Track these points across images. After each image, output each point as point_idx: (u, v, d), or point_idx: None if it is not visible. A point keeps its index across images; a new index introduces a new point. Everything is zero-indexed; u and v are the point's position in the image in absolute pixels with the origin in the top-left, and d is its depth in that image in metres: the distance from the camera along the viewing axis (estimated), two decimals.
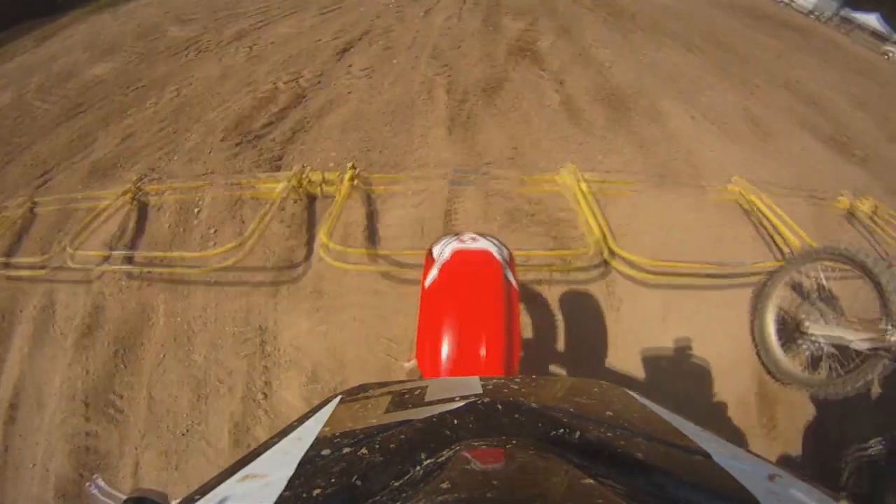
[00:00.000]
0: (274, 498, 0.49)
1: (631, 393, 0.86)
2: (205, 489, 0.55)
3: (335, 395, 0.87)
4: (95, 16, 13.99)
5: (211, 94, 5.92)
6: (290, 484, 0.51)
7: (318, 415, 0.76)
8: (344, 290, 3.29)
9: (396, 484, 0.51)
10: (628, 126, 5.03)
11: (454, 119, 4.92)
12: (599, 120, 5.07)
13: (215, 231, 3.69)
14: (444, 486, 0.44)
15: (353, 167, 3.75)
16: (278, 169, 4.18)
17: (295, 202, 3.76)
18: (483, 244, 1.42)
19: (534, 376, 0.89)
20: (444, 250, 1.41)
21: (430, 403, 0.72)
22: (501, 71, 6.15)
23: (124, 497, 0.65)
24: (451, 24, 8.26)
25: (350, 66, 6.14)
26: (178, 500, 0.55)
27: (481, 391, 0.77)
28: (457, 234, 1.48)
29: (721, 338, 3.21)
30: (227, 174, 4.11)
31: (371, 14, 9.05)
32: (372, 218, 3.67)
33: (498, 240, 1.46)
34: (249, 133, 4.70)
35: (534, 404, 0.69)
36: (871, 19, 28.90)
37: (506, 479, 0.46)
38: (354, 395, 0.87)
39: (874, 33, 27.83)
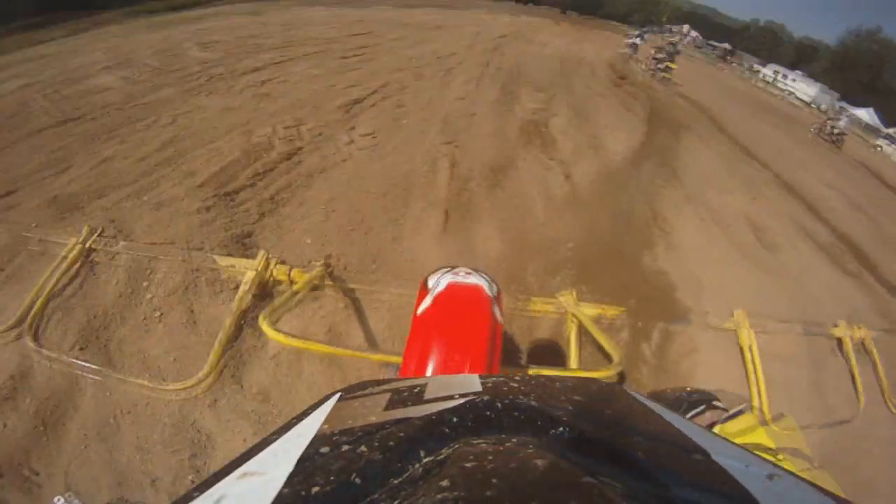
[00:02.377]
0: (272, 496, 0.45)
1: (630, 392, 0.80)
2: (203, 487, 0.51)
3: (334, 393, 0.79)
4: (131, 20, 14.49)
5: (206, 130, 5.29)
6: (289, 481, 0.48)
7: (316, 412, 0.70)
8: None
9: (395, 482, 0.47)
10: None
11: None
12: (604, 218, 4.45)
13: (160, 315, 3.08)
14: (444, 484, 0.41)
15: (327, 264, 3.12)
16: (244, 247, 3.49)
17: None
18: (475, 279, 1.45)
19: (534, 375, 0.87)
20: (439, 282, 1.44)
21: (430, 401, 0.67)
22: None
23: None
24: (470, 90, 7.82)
25: (353, 128, 5.45)
26: (177, 498, 0.47)
27: (481, 389, 0.71)
28: (452, 268, 1.51)
29: None
30: (186, 247, 3.42)
31: (391, 66, 8.64)
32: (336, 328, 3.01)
33: (489, 277, 1.49)
34: (229, 189, 4.01)
35: (533, 402, 0.64)
36: (864, 114, 30.86)
37: (505, 478, 0.42)
38: (353, 392, 0.79)
39: (867, 126, 29.86)
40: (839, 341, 3.94)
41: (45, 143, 5.21)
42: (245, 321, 2.95)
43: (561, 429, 0.57)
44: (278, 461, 0.53)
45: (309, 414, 0.71)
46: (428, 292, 1.43)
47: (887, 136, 26.93)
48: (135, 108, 6.10)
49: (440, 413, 0.61)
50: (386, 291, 3.06)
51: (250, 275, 3.00)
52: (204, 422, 2.67)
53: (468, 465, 0.46)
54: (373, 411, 0.67)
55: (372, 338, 2.95)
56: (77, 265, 3.39)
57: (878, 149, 25.55)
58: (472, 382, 0.76)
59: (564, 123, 6.58)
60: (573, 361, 3.05)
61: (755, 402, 3.23)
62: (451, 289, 1.41)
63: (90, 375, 2.84)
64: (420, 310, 1.40)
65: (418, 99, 6.77)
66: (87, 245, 3.47)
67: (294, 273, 3.02)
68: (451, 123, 5.94)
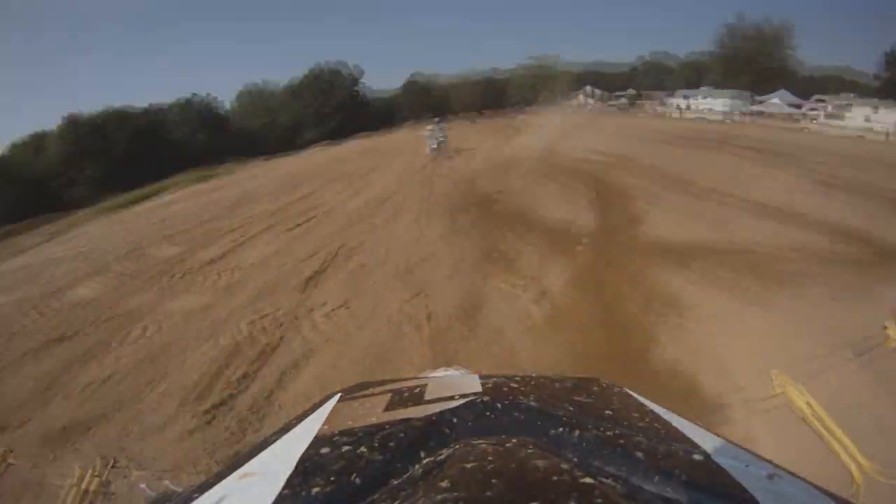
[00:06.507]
0: (273, 496, 0.44)
1: (630, 392, 0.77)
2: (203, 487, 0.50)
3: (334, 393, 0.79)
4: (99, 218, 15.53)
5: (177, 341, 5.26)
6: (290, 482, 0.47)
7: (317, 413, 0.69)
8: None
9: (396, 482, 0.45)
10: None
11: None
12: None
13: None
14: (444, 484, 0.40)
15: None
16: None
17: None
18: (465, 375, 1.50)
19: (534, 376, 0.82)
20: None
21: (430, 402, 0.66)
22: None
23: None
24: (420, 229, 8.19)
25: (312, 309, 5.48)
26: (177, 498, 0.51)
27: (481, 389, 0.69)
28: (447, 368, 1.61)
29: None
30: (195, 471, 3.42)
31: (339, 227, 8.94)
32: None
33: (467, 370, 1.59)
34: (208, 406, 4.00)
35: (533, 403, 0.63)
36: (775, 101, 30.97)
37: (505, 478, 0.40)
38: (353, 392, 0.79)
39: (785, 113, 29.57)
40: None
41: (35, 368, 5.14)
42: None
43: (561, 429, 0.56)
44: (279, 461, 0.53)
45: (309, 414, 0.69)
46: None
47: (804, 115, 25.98)
48: (109, 323, 6.03)
49: (440, 414, 0.60)
50: None
51: None
52: None
53: (468, 465, 0.45)
54: (373, 412, 0.66)
55: None
56: None
57: (806, 129, 23.75)
58: (472, 383, 0.74)
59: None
60: None
61: (844, 458, 2.74)
62: None
63: None
64: None
65: (376, 253, 7.05)
66: (88, 487, 3.37)
67: None
68: (414, 272, 6.10)
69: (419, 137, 20.00)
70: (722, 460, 0.53)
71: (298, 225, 9.35)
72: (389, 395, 0.75)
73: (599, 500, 0.38)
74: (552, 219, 8.34)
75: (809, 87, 32.12)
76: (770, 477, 0.51)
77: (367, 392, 0.80)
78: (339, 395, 0.80)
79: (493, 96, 40.39)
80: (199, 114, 33.95)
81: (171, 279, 7.25)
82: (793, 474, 0.54)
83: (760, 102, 31.56)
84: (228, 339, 4.99)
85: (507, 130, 24.71)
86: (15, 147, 27.86)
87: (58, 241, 11.88)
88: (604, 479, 0.44)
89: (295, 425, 0.67)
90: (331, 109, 36.25)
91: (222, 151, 28.54)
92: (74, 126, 28.74)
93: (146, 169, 25.51)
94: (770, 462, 0.56)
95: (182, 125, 33.21)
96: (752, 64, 36.73)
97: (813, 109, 25.90)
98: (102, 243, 10.13)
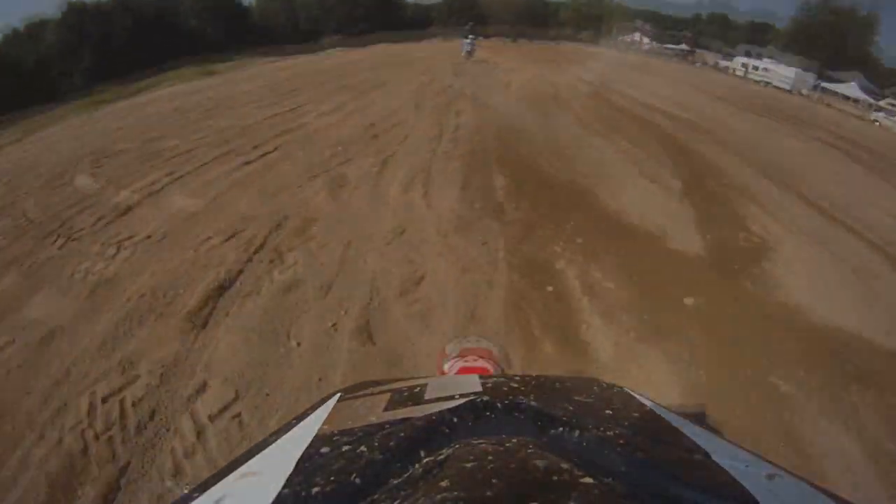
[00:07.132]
0: (272, 496, 0.44)
1: (630, 392, 0.77)
2: (203, 487, 0.50)
3: (334, 393, 0.78)
4: (76, 117, 13.84)
5: (17, 405, 2.99)
6: (289, 482, 0.46)
7: (316, 412, 0.68)
8: None
9: (395, 482, 0.45)
10: None
11: None
12: None
13: None
14: (444, 484, 0.40)
15: None
16: None
17: None
18: (483, 364, 1.37)
19: (534, 375, 0.80)
20: (452, 367, 1.36)
21: (430, 401, 0.65)
22: None
23: None
24: (412, 203, 5.51)
25: (202, 387, 2.99)
26: (177, 499, 0.46)
27: (481, 389, 0.69)
28: (462, 354, 1.41)
29: None
30: None
31: (302, 173, 6.48)
32: None
33: (500, 352, 1.43)
34: None
35: (533, 403, 0.61)
36: (850, 88, 28.39)
37: (505, 478, 0.40)
38: (354, 392, 0.78)
39: (854, 100, 27.67)
40: None
41: None
42: None
43: (561, 429, 0.55)
44: (278, 461, 0.52)
45: (309, 414, 0.68)
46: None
47: (880, 108, 24.43)
48: None
49: (440, 413, 0.58)
50: None
51: None
52: None
53: (468, 465, 0.44)
54: (373, 411, 0.65)
55: None
56: None
57: (877, 122, 23.32)
58: (472, 383, 0.73)
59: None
60: None
61: None
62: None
63: None
64: None
65: (327, 255, 4.35)
66: None
67: None
68: (382, 331, 3.47)
69: (448, 51, 18.75)
70: (722, 460, 0.52)
71: (248, 163, 6.91)
72: (389, 394, 0.72)
73: (599, 500, 0.37)
74: (628, 221, 5.32)
75: (883, 80, 30.70)
76: (770, 477, 0.50)
77: (367, 392, 0.77)
78: (338, 394, 0.77)
79: (539, 20, 37.95)
80: (216, 3, 32.06)
81: (64, 242, 5.06)
82: (793, 474, 0.52)
83: (832, 81, 30.52)
84: (73, 433, 2.74)
85: (553, 59, 21.32)
86: (16, 33, 26.51)
87: (21, 143, 10.43)
88: (604, 479, 0.42)
89: (294, 425, 0.64)
90: (360, 10, 34.26)
91: (237, 46, 26.98)
92: (77, 12, 26.77)
93: (151, 60, 23.98)
94: (770, 462, 0.53)
95: (195, 15, 31.30)
96: (830, 40, 35.07)
97: (892, 105, 24.76)
98: (47, 156, 8.48)
